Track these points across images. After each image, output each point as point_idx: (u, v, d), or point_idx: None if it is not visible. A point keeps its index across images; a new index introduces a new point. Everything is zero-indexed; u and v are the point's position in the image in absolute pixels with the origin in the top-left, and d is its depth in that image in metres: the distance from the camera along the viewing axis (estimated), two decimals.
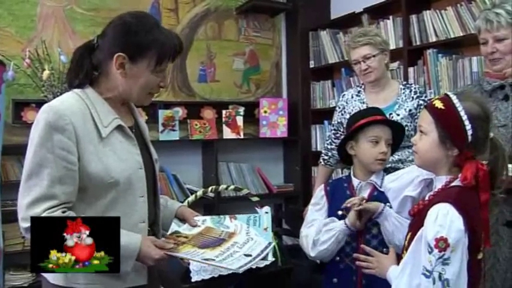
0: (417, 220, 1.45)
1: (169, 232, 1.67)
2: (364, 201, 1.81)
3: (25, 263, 3.12)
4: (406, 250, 1.45)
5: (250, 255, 1.54)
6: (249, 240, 1.63)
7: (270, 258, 1.62)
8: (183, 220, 1.72)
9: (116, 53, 1.44)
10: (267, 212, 1.78)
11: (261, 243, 1.61)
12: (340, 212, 1.90)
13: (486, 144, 1.41)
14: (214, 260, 1.49)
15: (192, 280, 1.83)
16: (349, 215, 1.83)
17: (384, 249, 1.79)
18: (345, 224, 1.84)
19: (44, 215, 1.32)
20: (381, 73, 2.47)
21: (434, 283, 1.29)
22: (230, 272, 1.67)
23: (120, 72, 1.46)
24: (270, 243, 1.62)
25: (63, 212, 1.35)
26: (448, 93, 1.48)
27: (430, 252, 1.30)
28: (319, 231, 1.88)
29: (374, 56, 2.43)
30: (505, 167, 1.44)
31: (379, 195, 1.88)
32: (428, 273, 1.31)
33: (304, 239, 1.94)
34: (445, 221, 1.30)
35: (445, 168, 1.45)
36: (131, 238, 1.40)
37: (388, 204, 1.80)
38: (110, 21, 1.52)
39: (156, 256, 1.43)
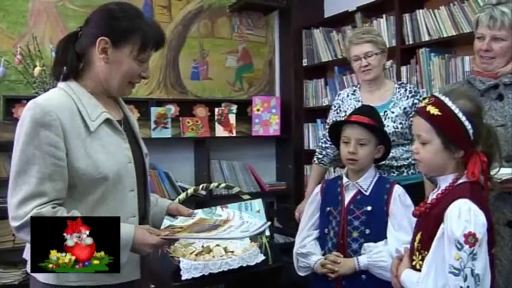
0: (425, 220, 1.44)
1: (162, 227, 1.66)
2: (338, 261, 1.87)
3: (15, 260, 3.09)
4: (419, 251, 1.43)
5: (248, 231, 1.55)
6: (244, 223, 1.63)
7: (267, 233, 1.62)
8: (175, 216, 1.72)
9: (99, 37, 1.43)
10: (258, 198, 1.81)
11: (257, 223, 1.61)
12: (328, 209, 1.96)
13: (483, 135, 1.42)
14: (211, 236, 1.51)
15: (183, 278, 1.83)
16: (316, 267, 1.93)
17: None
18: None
19: (33, 212, 1.30)
20: (379, 72, 2.52)
21: (465, 280, 1.27)
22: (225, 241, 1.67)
23: (102, 57, 1.44)
24: (266, 222, 1.62)
25: (53, 208, 1.33)
26: (437, 95, 1.46)
27: (459, 249, 1.28)
28: (297, 260, 2.02)
29: (376, 54, 2.48)
30: (499, 152, 1.45)
31: (362, 200, 1.91)
32: (457, 271, 1.28)
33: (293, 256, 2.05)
34: (470, 216, 1.30)
35: (452, 169, 1.44)
36: (124, 228, 1.37)
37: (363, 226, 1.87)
38: (94, 10, 1.50)
39: (153, 241, 1.41)
